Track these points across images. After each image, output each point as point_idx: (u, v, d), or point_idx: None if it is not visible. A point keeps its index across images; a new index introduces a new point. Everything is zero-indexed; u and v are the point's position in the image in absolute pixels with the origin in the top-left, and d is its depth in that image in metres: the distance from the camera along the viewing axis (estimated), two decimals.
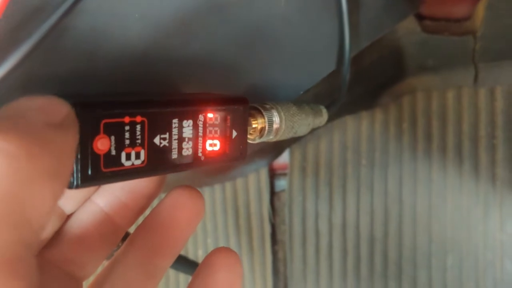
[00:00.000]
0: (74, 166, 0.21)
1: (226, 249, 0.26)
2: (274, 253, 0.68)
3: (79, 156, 0.21)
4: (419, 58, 0.59)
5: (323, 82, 0.52)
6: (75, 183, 0.21)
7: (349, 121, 0.63)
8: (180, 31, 0.29)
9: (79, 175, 0.21)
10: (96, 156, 0.22)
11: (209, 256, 0.26)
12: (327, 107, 0.39)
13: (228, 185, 0.67)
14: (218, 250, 0.26)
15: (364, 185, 0.63)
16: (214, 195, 0.68)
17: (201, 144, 0.27)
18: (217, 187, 0.68)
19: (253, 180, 0.66)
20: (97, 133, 0.22)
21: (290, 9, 0.37)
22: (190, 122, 0.26)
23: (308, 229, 0.66)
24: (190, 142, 0.26)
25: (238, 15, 0.33)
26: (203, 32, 0.31)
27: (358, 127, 0.63)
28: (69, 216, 0.26)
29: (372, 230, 0.63)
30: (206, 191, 0.68)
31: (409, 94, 0.61)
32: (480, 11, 0.54)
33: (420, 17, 0.58)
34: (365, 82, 0.60)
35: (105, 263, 0.32)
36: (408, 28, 0.58)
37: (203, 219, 0.69)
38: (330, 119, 0.64)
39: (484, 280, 0.60)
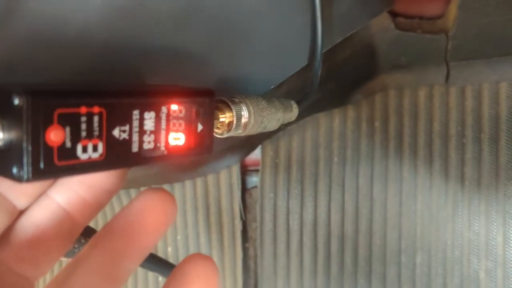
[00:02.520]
0: (25, 159, 0.20)
1: (204, 257, 0.25)
2: (245, 250, 0.68)
3: (29, 148, 0.20)
4: (391, 55, 0.59)
5: (295, 77, 0.51)
6: (25, 176, 0.20)
7: (321, 118, 0.62)
8: (146, 19, 0.28)
9: (30, 168, 0.20)
10: (48, 148, 0.20)
11: (184, 264, 0.25)
12: (298, 102, 0.38)
13: (199, 181, 0.66)
14: (194, 257, 0.25)
15: (336, 182, 0.63)
16: (185, 191, 0.67)
17: (163, 138, 0.25)
18: (188, 183, 0.66)
19: (224, 177, 0.65)
20: (50, 123, 0.20)
21: (261, 1, 0.36)
22: (153, 114, 0.25)
23: (279, 226, 0.65)
24: (152, 135, 0.25)
25: (208, 6, 0.32)
26: (170, 21, 0.30)
27: (330, 124, 0.62)
28: (22, 212, 0.24)
29: (343, 227, 0.63)
30: (176, 187, 0.67)
31: (381, 92, 0.61)
32: (453, 10, 0.54)
33: (393, 14, 0.58)
34: (338, 79, 0.60)
35: (64, 260, 0.31)
36: (381, 25, 0.57)
37: None
38: (302, 115, 0.64)
39: (451, 277, 0.60)
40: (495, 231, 0.58)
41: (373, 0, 0.50)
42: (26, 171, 0.20)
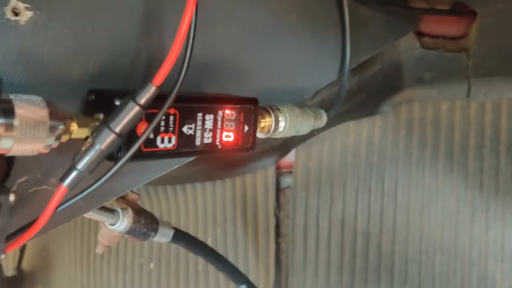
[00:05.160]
0: (122, 145, 0.27)
1: None
2: (278, 245, 0.74)
3: (126, 137, 0.27)
4: (417, 71, 0.65)
5: (328, 88, 0.58)
6: (120, 157, 0.28)
7: (351, 127, 0.69)
8: (203, 40, 0.35)
9: (125, 151, 0.28)
10: (138, 138, 0.28)
11: None
12: (327, 111, 0.45)
13: (238, 180, 0.73)
14: None
15: (362, 185, 0.69)
16: (225, 188, 0.74)
17: (219, 135, 0.33)
18: (228, 181, 0.74)
19: (260, 177, 0.72)
20: (140, 120, 0.28)
21: (299, 23, 0.43)
22: (212, 116, 0.32)
23: (310, 224, 0.71)
24: (211, 133, 0.32)
25: (252, 26, 0.39)
26: (221, 40, 0.37)
27: (359, 133, 0.68)
28: None
29: (368, 227, 0.69)
30: (217, 184, 0.74)
31: (407, 104, 0.67)
32: (474, 31, 0.60)
33: (419, 34, 0.64)
34: (367, 91, 0.66)
35: None
36: (408, 43, 0.63)
37: (214, 210, 0.75)
38: (334, 123, 0.70)
39: (469, 277, 0.65)
40: (510, 235, 0.62)
41: (399, 23, 0.57)
42: (122, 154, 0.28)
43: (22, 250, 1.02)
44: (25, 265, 1.04)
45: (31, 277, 1.02)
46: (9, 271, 1.03)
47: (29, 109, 0.24)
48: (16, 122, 0.24)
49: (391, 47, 0.63)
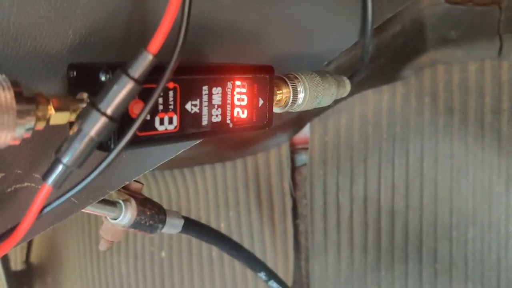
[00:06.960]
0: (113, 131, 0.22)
1: None
2: (296, 227, 0.70)
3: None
4: (441, 29, 0.58)
5: (344, 54, 0.52)
6: (112, 146, 0.22)
7: (370, 95, 0.63)
8: None
9: (116, 139, 0.22)
10: (131, 120, 0.23)
11: None
12: (350, 78, 0.39)
13: (249, 160, 0.68)
14: None
15: (385, 159, 0.63)
16: (236, 169, 0.69)
17: (229, 111, 0.27)
18: (239, 162, 0.69)
19: (274, 155, 0.67)
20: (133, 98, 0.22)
21: None
22: (220, 89, 0.27)
23: (329, 203, 0.66)
24: (220, 109, 0.27)
25: None
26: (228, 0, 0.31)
27: (379, 101, 0.63)
28: None
29: (393, 203, 0.64)
30: (228, 166, 0.69)
31: (430, 67, 0.61)
32: None
33: None
34: (387, 54, 0.60)
35: None
36: None
37: (225, 193, 0.70)
38: (351, 92, 0.64)
39: (506, 252, 0.60)
40: None
41: None
42: (113, 141, 0.22)
43: (30, 242, 0.98)
44: (33, 257, 1.00)
45: (41, 270, 0.99)
46: (18, 265, 0.99)
47: None
48: None
49: (411, 3, 0.57)
